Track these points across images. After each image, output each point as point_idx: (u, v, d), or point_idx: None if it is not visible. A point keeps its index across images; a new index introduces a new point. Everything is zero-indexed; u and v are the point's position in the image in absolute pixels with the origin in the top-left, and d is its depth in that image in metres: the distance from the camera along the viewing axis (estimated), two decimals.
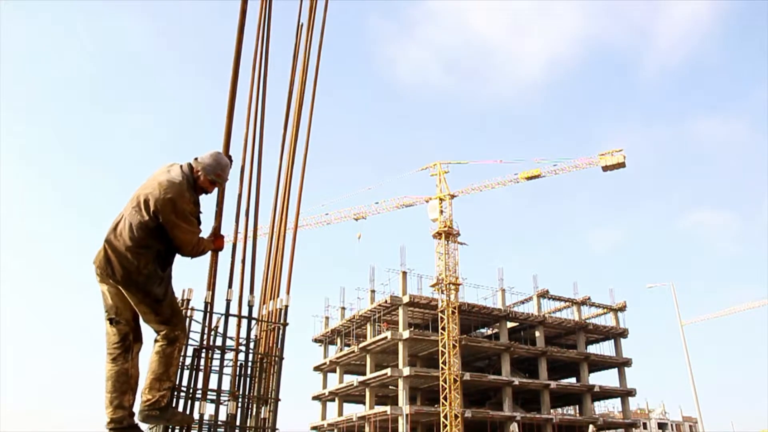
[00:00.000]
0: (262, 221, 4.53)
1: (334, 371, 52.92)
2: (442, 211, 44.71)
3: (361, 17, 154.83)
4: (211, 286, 3.98)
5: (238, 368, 4.18)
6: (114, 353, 3.48)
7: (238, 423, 4.02)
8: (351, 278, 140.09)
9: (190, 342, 3.89)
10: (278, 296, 4.52)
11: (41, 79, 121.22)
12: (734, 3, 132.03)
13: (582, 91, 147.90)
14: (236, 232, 4.23)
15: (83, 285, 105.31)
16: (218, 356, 4.03)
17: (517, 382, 45.23)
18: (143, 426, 3.64)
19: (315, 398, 53.98)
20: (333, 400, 52.69)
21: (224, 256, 4.05)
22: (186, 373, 3.89)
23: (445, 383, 40.72)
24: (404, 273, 45.13)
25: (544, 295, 51.49)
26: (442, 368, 41.04)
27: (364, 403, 48.61)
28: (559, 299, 52.76)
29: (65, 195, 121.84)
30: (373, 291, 47.95)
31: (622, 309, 54.11)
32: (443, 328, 41.92)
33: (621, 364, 52.37)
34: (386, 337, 42.95)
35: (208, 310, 3.97)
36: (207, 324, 3.99)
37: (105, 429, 3.49)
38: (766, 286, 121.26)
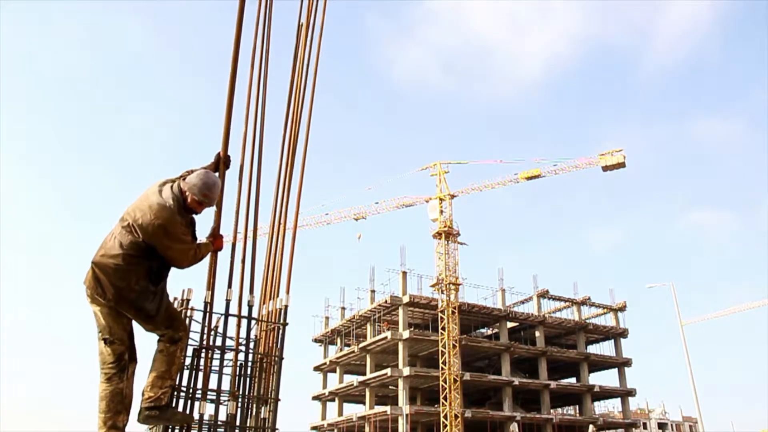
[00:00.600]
0: (261, 221, 4.53)
1: (334, 371, 52.91)
2: (442, 211, 44.71)
3: (360, 17, 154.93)
4: (211, 285, 3.98)
5: (238, 368, 4.18)
6: (109, 373, 3.45)
7: (238, 423, 4.02)
8: (351, 278, 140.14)
9: (190, 342, 3.89)
10: (278, 296, 4.52)
11: (41, 78, 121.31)
12: (734, 3, 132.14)
13: (582, 91, 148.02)
14: (236, 232, 4.23)
15: (83, 285, 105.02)
16: (218, 356, 4.03)
17: (517, 382, 45.22)
18: (143, 426, 3.64)
19: (315, 398, 53.97)
20: (333, 400, 52.67)
21: (224, 256, 4.05)
22: (186, 373, 3.90)
23: (445, 383, 40.72)
24: (404, 273, 45.14)
25: (544, 295, 51.48)
26: (442, 368, 41.03)
27: (364, 403, 48.61)
28: (559, 299, 52.74)
29: (65, 195, 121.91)
30: (373, 291, 47.96)
31: (622, 309, 54.10)
32: (443, 328, 41.91)
33: (621, 364, 52.36)
34: (386, 337, 42.95)
35: (208, 310, 3.97)
36: (207, 324, 3.98)
37: None
38: (766, 286, 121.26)
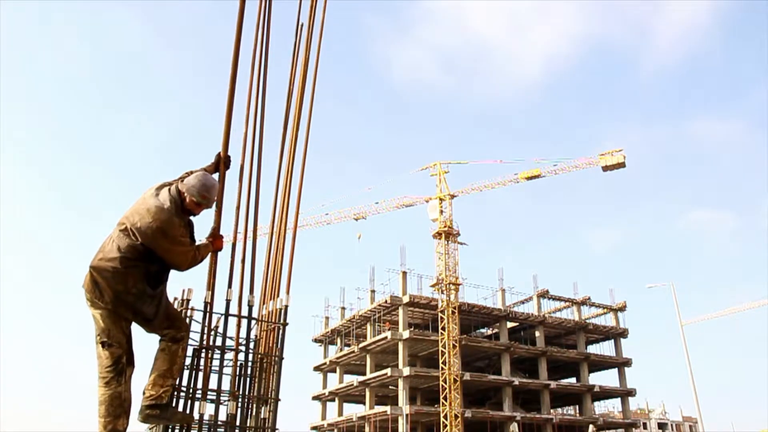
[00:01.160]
0: (262, 221, 4.53)
1: (334, 371, 52.90)
2: (442, 211, 44.71)
3: (360, 17, 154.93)
4: (211, 285, 3.98)
5: (238, 368, 4.19)
6: (107, 377, 3.44)
7: (238, 423, 4.02)
8: (351, 278, 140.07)
9: (190, 342, 3.90)
10: (278, 296, 4.53)
11: (41, 78, 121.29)
12: (734, 3, 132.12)
13: (581, 91, 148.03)
14: (236, 232, 4.23)
15: (82, 289, 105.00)
16: (218, 356, 4.03)
17: (517, 382, 45.22)
18: (143, 426, 3.64)
19: (315, 398, 53.97)
20: (333, 400, 52.67)
21: (224, 256, 4.06)
22: (186, 373, 3.90)
23: (445, 383, 40.71)
24: (404, 273, 45.14)
25: (544, 295, 51.48)
26: (442, 368, 41.03)
27: (364, 403, 48.60)
28: (559, 299, 52.74)
29: (65, 195, 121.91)
30: (373, 291, 47.97)
31: (622, 309, 54.10)
32: (443, 328, 41.91)
33: (621, 364, 52.36)
34: (386, 337, 42.95)
35: (208, 310, 3.97)
36: (207, 324, 3.98)
37: None
38: (766, 286, 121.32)
